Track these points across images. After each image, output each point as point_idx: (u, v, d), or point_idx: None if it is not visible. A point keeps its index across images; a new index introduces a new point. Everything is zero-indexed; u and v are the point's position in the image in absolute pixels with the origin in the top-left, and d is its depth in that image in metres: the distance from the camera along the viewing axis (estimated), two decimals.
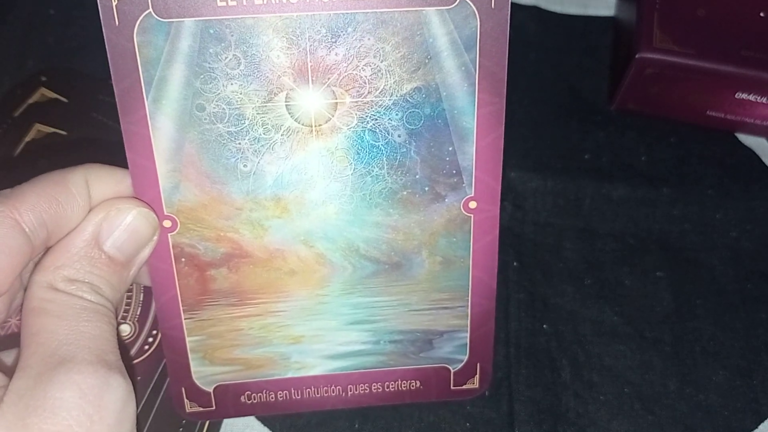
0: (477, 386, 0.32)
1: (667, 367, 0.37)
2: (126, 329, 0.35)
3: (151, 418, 0.33)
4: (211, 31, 0.25)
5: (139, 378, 0.34)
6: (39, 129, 0.41)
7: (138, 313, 0.35)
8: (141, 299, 0.36)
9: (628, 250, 0.41)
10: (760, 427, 0.36)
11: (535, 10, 0.49)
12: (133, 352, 0.35)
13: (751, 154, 0.45)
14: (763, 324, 0.39)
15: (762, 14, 0.43)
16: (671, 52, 0.42)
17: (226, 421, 0.34)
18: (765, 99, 0.43)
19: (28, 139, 0.40)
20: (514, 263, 0.40)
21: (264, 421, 0.35)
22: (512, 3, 0.52)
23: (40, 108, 0.41)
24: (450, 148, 0.28)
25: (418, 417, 0.35)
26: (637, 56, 0.42)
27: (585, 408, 0.36)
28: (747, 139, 0.45)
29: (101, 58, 0.45)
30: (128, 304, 0.36)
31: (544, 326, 0.38)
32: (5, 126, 0.41)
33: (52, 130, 0.41)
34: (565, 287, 0.40)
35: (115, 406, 0.23)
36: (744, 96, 0.43)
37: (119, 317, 0.35)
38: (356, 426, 0.35)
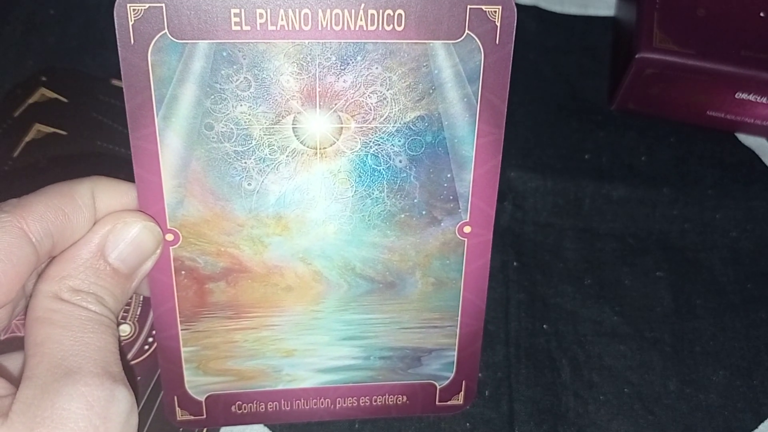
0: (461, 402, 0.33)
1: (667, 367, 0.37)
2: (126, 329, 0.35)
3: (151, 417, 0.33)
4: (224, 54, 0.26)
5: (138, 378, 0.34)
6: (39, 129, 0.41)
7: (138, 313, 0.35)
8: (141, 300, 0.36)
9: (628, 250, 0.41)
10: (760, 427, 0.36)
11: (535, 10, 0.49)
12: (132, 352, 0.35)
13: (751, 154, 0.45)
14: (763, 324, 0.39)
15: (762, 14, 0.43)
16: (671, 52, 0.42)
17: None
18: (765, 99, 0.43)
19: (28, 139, 0.40)
20: (514, 263, 0.40)
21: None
22: None
23: (40, 108, 0.41)
24: (448, 175, 0.29)
25: (418, 417, 0.35)
26: (637, 56, 0.42)
27: (585, 408, 0.36)
28: (747, 139, 0.45)
29: (101, 58, 0.45)
30: (128, 304, 0.36)
31: (544, 326, 0.38)
32: (5, 126, 0.41)
33: (52, 130, 0.41)
34: (565, 287, 0.40)
35: (120, 418, 0.24)
36: (744, 96, 0.43)
37: (119, 317, 0.35)
38: (356, 426, 0.35)
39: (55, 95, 0.42)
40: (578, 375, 0.37)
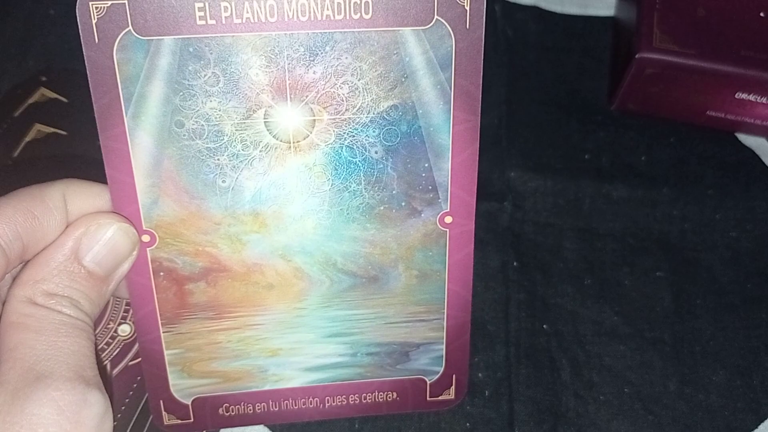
0: (453, 397, 0.33)
1: (667, 367, 0.37)
2: (126, 329, 0.35)
3: (150, 420, 0.33)
4: (191, 49, 0.25)
5: (138, 378, 0.34)
6: (39, 129, 0.41)
7: None
8: None
9: (628, 250, 0.41)
10: (760, 427, 0.36)
11: (535, 10, 0.49)
12: (132, 352, 0.35)
13: (751, 154, 0.45)
14: (763, 324, 0.39)
15: (762, 14, 0.43)
16: (671, 52, 0.42)
17: None
18: (765, 99, 0.43)
19: (28, 139, 0.40)
20: (514, 263, 0.40)
21: None
22: (512, 3, 0.52)
23: (40, 108, 0.41)
24: (426, 165, 0.28)
25: (418, 417, 0.35)
26: (637, 56, 0.42)
27: (585, 408, 0.36)
28: (747, 139, 0.45)
29: None
30: (128, 304, 0.36)
31: (544, 326, 0.38)
32: (5, 126, 0.41)
33: (52, 130, 0.41)
34: (565, 287, 0.40)
35: (92, 422, 0.23)
36: (744, 96, 0.43)
37: (119, 317, 0.35)
38: (356, 426, 0.35)
39: (55, 95, 0.42)
40: (578, 375, 0.37)
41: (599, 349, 0.38)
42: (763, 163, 0.44)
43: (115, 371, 0.34)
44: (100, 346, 0.35)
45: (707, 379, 0.37)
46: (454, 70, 0.27)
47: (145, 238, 0.28)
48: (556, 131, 0.45)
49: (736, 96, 0.43)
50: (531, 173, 0.43)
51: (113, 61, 0.25)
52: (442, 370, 0.32)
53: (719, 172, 0.44)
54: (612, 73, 0.47)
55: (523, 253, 0.41)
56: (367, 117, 0.27)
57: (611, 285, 0.40)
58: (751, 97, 0.43)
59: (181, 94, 0.26)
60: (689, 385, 0.37)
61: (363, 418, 0.35)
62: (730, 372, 0.37)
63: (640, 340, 0.38)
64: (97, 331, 0.35)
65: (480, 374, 0.37)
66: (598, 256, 0.41)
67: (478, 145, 0.28)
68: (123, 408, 0.33)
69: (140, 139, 0.26)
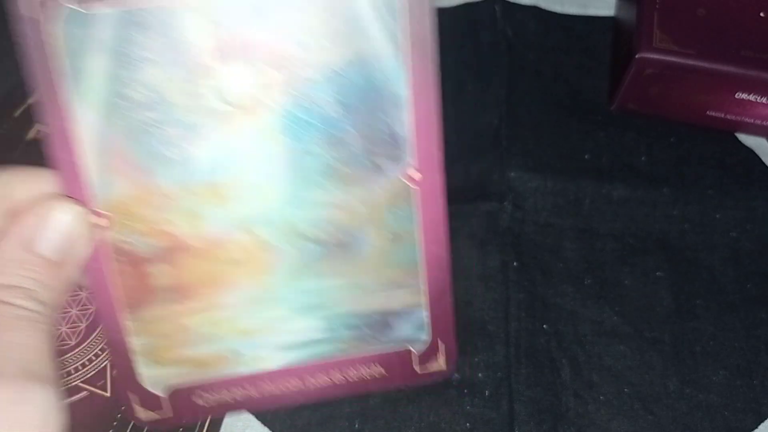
0: (444, 368, 0.31)
1: (667, 367, 0.37)
2: None
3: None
4: (132, 19, 0.24)
5: None
6: (39, 129, 0.41)
7: None
8: None
9: (628, 250, 0.41)
10: (760, 427, 0.36)
11: (535, 10, 0.49)
12: None
13: (751, 154, 0.45)
14: (763, 324, 0.39)
15: (762, 14, 0.43)
16: (671, 52, 0.42)
17: (225, 421, 0.34)
18: (765, 99, 0.43)
19: (28, 139, 0.40)
20: (514, 263, 0.40)
21: (264, 420, 0.35)
22: (512, 3, 0.52)
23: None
24: (385, 119, 0.27)
25: (418, 417, 0.35)
26: (637, 56, 0.42)
27: (585, 408, 0.36)
28: (747, 139, 0.45)
29: None
30: None
31: (544, 326, 0.38)
32: (5, 126, 0.41)
33: None
34: (565, 287, 0.40)
35: (32, 420, 0.22)
36: (744, 96, 0.43)
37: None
38: (356, 426, 0.35)
39: None
40: (578, 375, 0.37)
41: (599, 349, 0.38)
42: (763, 163, 0.44)
43: (115, 372, 0.34)
44: (98, 349, 0.34)
45: (707, 379, 0.37)
46: (405, 19, 0.26)
47: (98, 219, 0.26)
48: (556, 131, 0.45)
49: (736, 96, 0.43)
50: (531, 173, 0.43)
51: (53, 36, 0.24)
52: (427, 337, 0.31)
53: (719, 172, 0.44)
54: (612, 73, 0.47)
55: (523, 253, 0.41)
56: (320, 74, 0.26)
57: (611, 285, 0.40)
58: (751, 97, 0.43)
59: (124, 65, 0.25)
60: (689, 385, 0.37)
61: (363, 417, 0.35)
62: (730, 372, 0.37)
63: (640, 340, 0.38)
64: (94, 335, 0.35)
65: (480, 374, 0.37)
66: (598, 256, 0.41)
67: (437, 95, 0.27)
68: (123, 408, 0.33)
69: (84, 115, 0.25)
